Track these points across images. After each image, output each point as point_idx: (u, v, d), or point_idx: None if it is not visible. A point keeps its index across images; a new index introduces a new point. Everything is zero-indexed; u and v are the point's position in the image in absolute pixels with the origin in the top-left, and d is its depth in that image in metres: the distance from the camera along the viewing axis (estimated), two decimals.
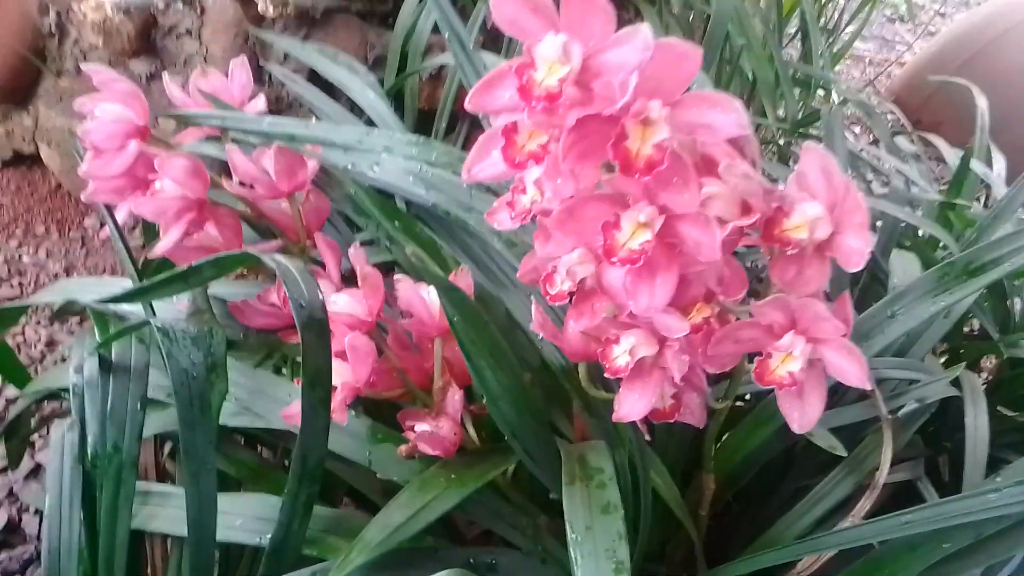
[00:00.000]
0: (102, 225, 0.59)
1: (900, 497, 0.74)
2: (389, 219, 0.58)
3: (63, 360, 1.13)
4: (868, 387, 0.47)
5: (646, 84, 0.38)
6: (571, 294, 0.51)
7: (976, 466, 0.70)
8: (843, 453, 0.66)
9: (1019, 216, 0.88)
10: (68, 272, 1.25)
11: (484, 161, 0.46)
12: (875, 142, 1.56)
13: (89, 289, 0.67)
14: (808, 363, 0.48)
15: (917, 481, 0.75)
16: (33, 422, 0.76)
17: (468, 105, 0.41)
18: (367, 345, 0.53)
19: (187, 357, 0.45)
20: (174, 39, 1.17)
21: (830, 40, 1.47)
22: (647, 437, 0.60)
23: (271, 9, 1.07)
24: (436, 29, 1.15)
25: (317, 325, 0.48)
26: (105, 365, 0.54)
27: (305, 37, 1.16)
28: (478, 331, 0.47)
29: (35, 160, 1.38)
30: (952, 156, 1.07)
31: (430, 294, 0.57)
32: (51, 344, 1.18)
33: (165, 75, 0.63)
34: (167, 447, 0.65)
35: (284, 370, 0.71)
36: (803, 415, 0.50)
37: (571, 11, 0.39)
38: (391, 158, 0.61)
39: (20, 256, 1.30)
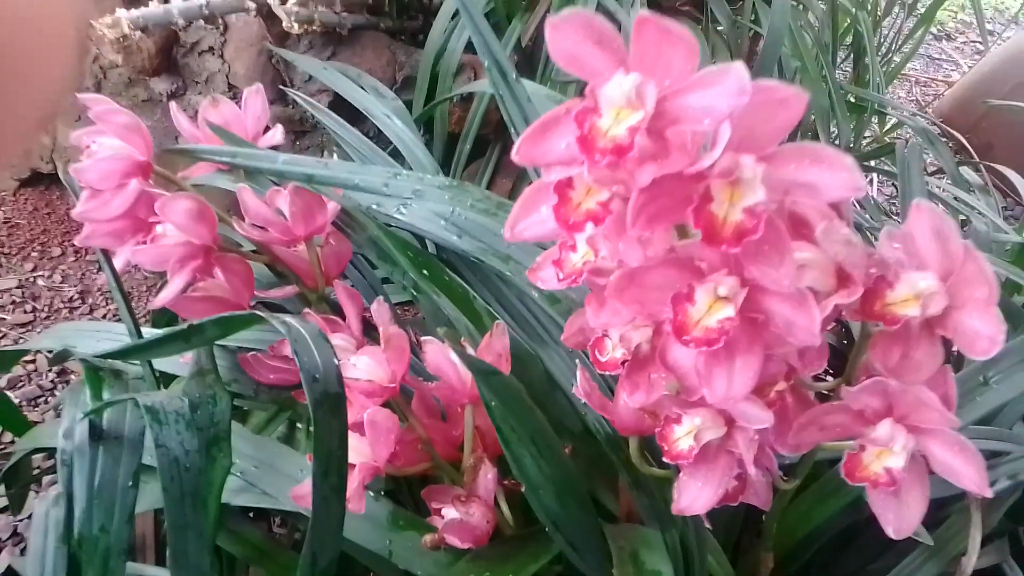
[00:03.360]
0: (99, 270, 0.52)
1: None
2: (417, 268, 0.51)
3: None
4: (987, 493, 0.39)
5: (735, 135, 0.31)
6: (624, 362, 0.44)
7: None
8: (929, 542, 0.58)
9: None
10: (83, 297, 1.20)
11: (530, 217, 0.39)
12: (936, 172, 1.46)
13: (88, 336, 0.61)
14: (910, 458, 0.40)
15: (1004, 564, 0.66)
16: (32, 473, 0.70)
17: (516, 157, 0.34)
18: (388, 420, 0.46)
19: (179, 444, 0.39)
20: (196, 56, 1.12)
21: (883, 61, 1.39)
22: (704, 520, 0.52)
23: (296, 26, 1.01)
24: (469, 48, 1.09)
25: (332, 401, 0.41)
26: (95, 432, 0.48)
27: (331, 55, 1.10)
28: (519, 417, 0.40)
29: (53, 179, 1.34)
30: None
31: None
32: (63, 373, 1.13)
33: (172, 105, 0.57)
34: None
35: (299, 425, 0.65)
36: (900, 518, 0.42)
37: (644, 44, 0.32)
38: (419, 200, 0.55)
39: (35, 279, 1.25)
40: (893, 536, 0.43)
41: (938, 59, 2.48)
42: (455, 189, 0.52)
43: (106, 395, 0.51)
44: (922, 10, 1.50)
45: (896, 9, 1.42)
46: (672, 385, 0.45)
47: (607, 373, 0.46)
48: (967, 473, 0.39)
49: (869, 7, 1.19)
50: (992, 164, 1.07)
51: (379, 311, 0.50)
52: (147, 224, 0.53)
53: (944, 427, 0.40)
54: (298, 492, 0.47)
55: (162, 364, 0.58)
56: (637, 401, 0.45)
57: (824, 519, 0.63)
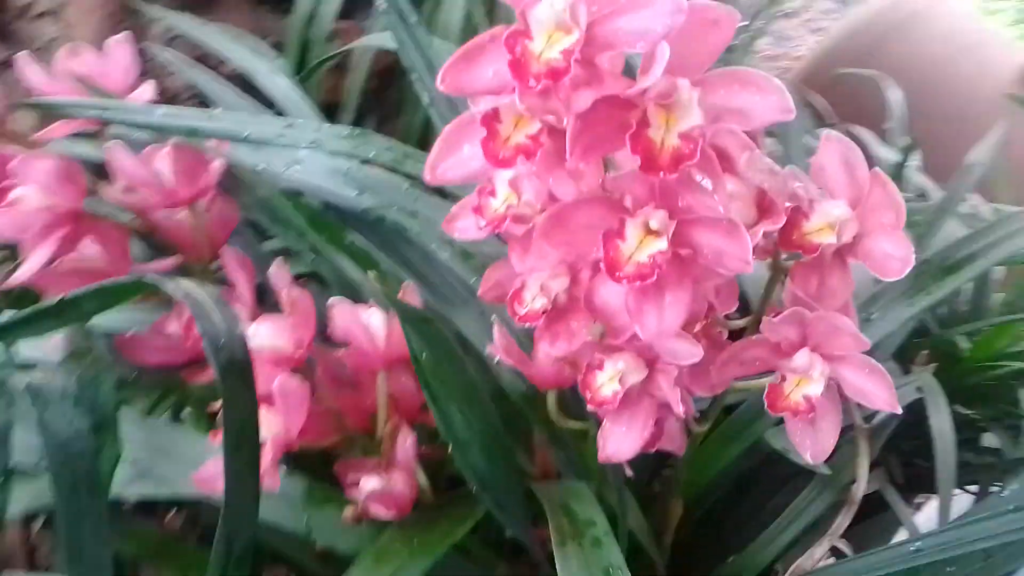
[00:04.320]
0: None
1: (865, 508, 0.71)
2: (316, 230, 0.48)
3: None
4: (898, 410, 0.41)
5: (669, 58, 0.31)
6: (544, 312, 0.43)
7: (947, 473, 0.67)
8: (826, 471, 0.61)
9: (963, 209, 0.87)
10: None
11: (453, 156, 0.37)
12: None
13: None
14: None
15: (882, 490, 0.71)
16: None
17: (441, 84, 0.32)
18: (300, 388, 0.43)
19: (68, 424, 0.34)
20: (30, 21, 1.01)
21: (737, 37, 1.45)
22: (628, 471, 0.53)
23: None
24: (342, 15, 1.04)
25: (239, 369, 0.38)
26: None
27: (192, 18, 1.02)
28: (450, 370, 0.38)
29: None
30: (880, 150, 1.06)
31: (372, 319, 0.47)
32: None
33: (23, 54, 0.51)
34: (38, 522, 0.52)
35: (185, 411, 0.60)
36: (816, 443, 0.44)
37: None
38: (314, 156, 0.51)
39: None
40: (809, 460, 0.44)
41: (780, 36, 2.64)
42: (358, 138, 0.48)
43: None
44: None
45: None
46: (595, 331, 0.45)
47: (527, 325, 0.45)
48: (878, 394, 0.41)
49: None
50: (848, 125, 1.15)
51: (278, 274, 0.46)
52: None
53: (856, 352, 0.41)
54: (202, 475, 0.43)
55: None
56: (559, 350, 0.44)
57: (727, 463, 0.65)
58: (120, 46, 0.51)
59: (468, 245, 0.50)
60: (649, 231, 0.35)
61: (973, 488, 0.83)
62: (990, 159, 0.87)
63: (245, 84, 0.82)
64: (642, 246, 0.35)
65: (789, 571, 0.63)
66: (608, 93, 0.30)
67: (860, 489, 0.63)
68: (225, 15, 1.04)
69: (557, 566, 0.40)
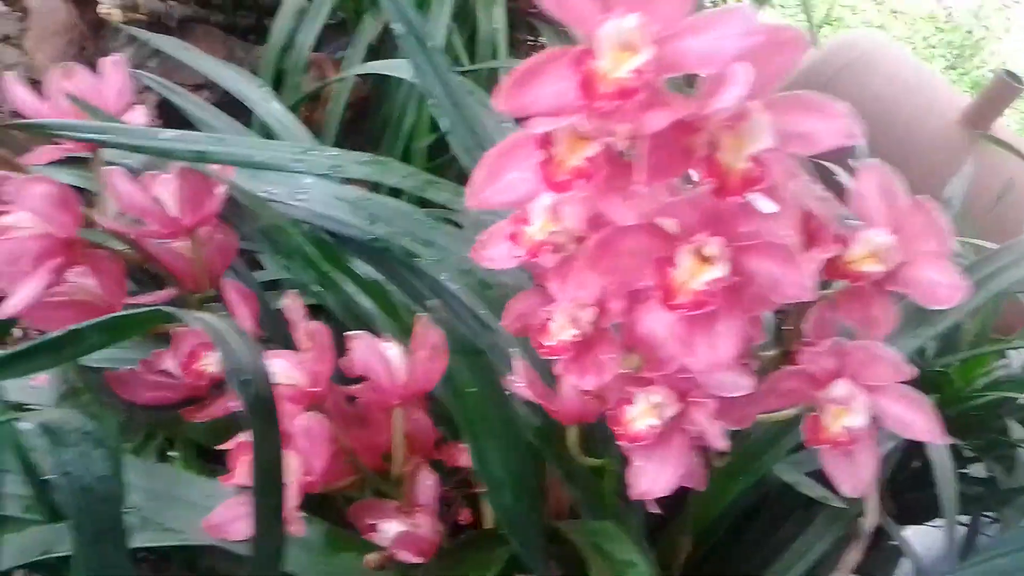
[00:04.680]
0: None
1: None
2: (327, 259, 0.46)
3: None
4: (941, 440, 0.41)
5: None
6: (573, 344, 0.42)
7: (950, 501, 0.67)
8: (839, 504, 0.60)
9: None
10: None
11: (498, 181, 0.35)
12: None
13: None
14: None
15: (883, 523, 0.71)
16: None
17: (499, 104, 0.31)
18: (323, 426, 0.40)
19: (89, 469, 0.31)
20: None
21: None
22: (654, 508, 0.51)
23: (116, 11, 0.90)
24: (318, 46, 1.03)
25: (266, 406, 0.35)
26: None
27: (157, 51, 0.99)
28: (495, 407, 0.36)
29: None
30: (845, 179, 1.08)
31: (392, 353, 0.45)
32: None
33: (7, 74, 0.47)
34: None
35: (173, 453, 0.56)
36: (854, 477, 0.43)
37: None
38: (320, 184, 0.49)
39: None
40: (848, 494, 0.43)
41: None
42: (379, 164, 0.47)
43: None
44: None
45: None
46: (627, 363, 0.43)
47: (552, 358, 0.43)
48: (920, 423, 0.41)
49: None
50: (816, 160, 1.17)
51: (292, 307, 0.43)
52: None
53: (894, 381, 0.41)
54: (214, 520, 0.40)
55: None
56: (589, 383, 0.42)
57: (733, 497, 0.64)
58: (114, 66, 0.49)
59: (488, 276, 0.48)
60: (703, 258, 0.34)
61: (964, 519, 0.84)
62: (963, 189, 0.89)
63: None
64: (696, 274, 0.34)
65: None
66: (680, 114, 0.29)
67: (871, 522, 0.62)
68: (196, 43, 1.01)
69: None
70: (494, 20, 0.79)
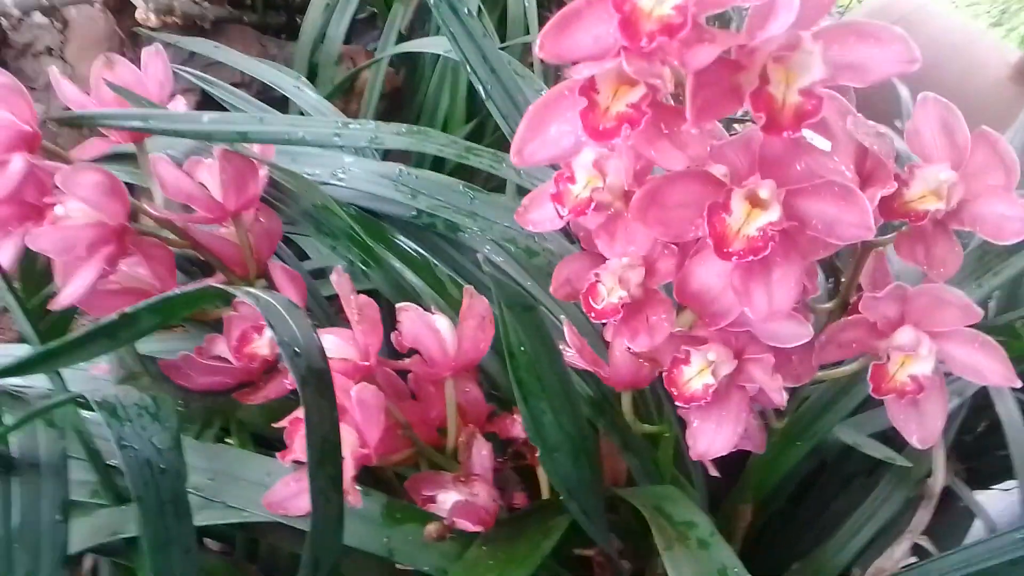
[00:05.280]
0: None
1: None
2: (372, 236, 0.46)
3: None
4: (1017, 383, 0.39)
5: None
6: (623, 305, 0.41)
7: (1021, 460, 0.65)
8: (905, 463, 0.59)
9: None
10: None
11: (541, 136, 0.35)
12: None
13: None
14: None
15: (951, 484, 0.69)
16: None
17: (540, 53, 0.30)
18: (377, 397, 0.40)
19: (149, 442, 0.31)
20: (31, 59, 0.98)
21: None
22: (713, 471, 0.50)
23: (152, 17, 0.91)
24: (348, 40, 1.03)
25: (319, 378, 0.35)
26: (4, 464, 0.38)
27: (194, 53, 1.00)
28: (548, 365, 0.35)
29: None
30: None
31: (441, 325, 0.45)
32: None
33: (53, 69, 0.48)
34: (86, 562, 0.49)
35: (229, 440, 0.56)
36: (923, 427, 0.41)
37: None
38: (360, 162, 0.49)
39: None
40: (917, 445, 0.42)
41: None
42: (417, 135, 0.46)
43: (7, 419, 0.41)
44: None
45: None
46: (682, 320, 0.42)
47: (603, 321, 0.42)
48: (993, 367, 0.39)
49: None
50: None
51: (340, 282, 0.43)
52: (37, 208, 0.43)
53: (962, 325, 0.39)
54: (274, 497, 0.40)
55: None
56: (641, 345, 0.42)
57: (793, 464, 0.62)
58: (154, 58, 0.49)
59: (532, 243, 0.47)
60: (756, 202, 0.33)
61: None
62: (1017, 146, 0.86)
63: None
64: (750, 218, 0.33)
65: (868, 572, 0.60)
66: (726, 47, 0.28)
67: (938, 482, 0.61)
68: (230, 43, 1.02)
69: (668, 571, 0.37)
70: None
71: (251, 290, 0.36)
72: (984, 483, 0.83)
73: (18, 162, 0.42)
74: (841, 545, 0.63)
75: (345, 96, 1.07)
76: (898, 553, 0.59)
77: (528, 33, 0.88)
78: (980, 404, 0.70)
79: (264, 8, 1.12)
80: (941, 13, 2.00)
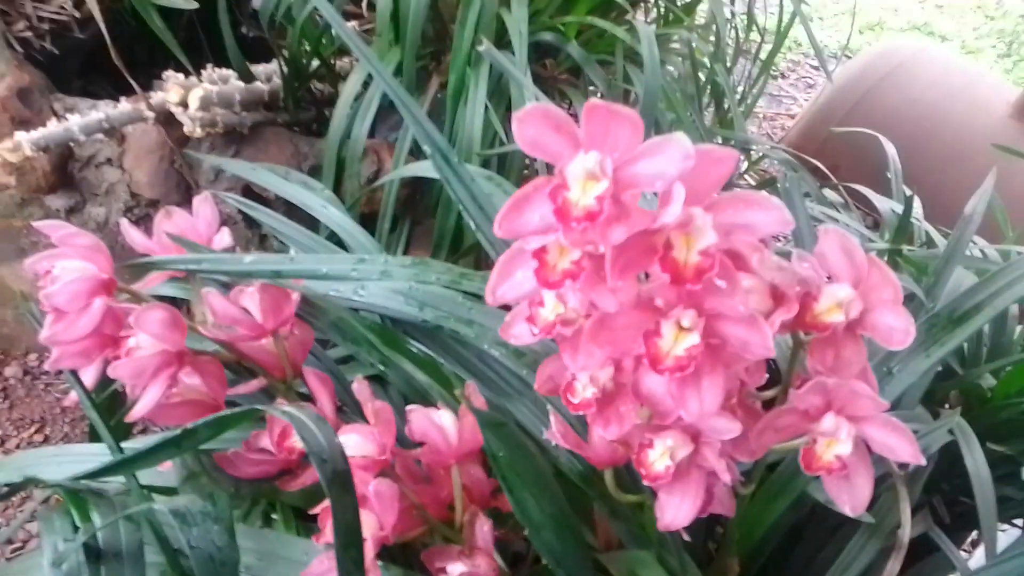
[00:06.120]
0: (49, 372, 0.52)
1: (916, 551, 0.74)
2: (386, 343, 0.55)
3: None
4: (922, 462, 0.46)
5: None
6: (596, 400, 0.49)
7: (988, 509, 0.70)
8: (870, 520, 0.65)
9: (969, 253, 0.92)
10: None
11: (508, 281, 0.44)
12: (805, 195, 1.62)
13: (49, 461, 0.60)
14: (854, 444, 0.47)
15: (929, 532, 0.75)
16: None
17: (497, 231, 0.39)
18: (391, 489, 0.49)
19: (211, 542, 0.40)
20: (94, 169, 1.11)
21: (738, 103, 1.54)
22: (685, 536, 0.57)
23: (198, 130, 1.03)
24: (371, 133, 1.14)
25: (342, 478, 0.44)
26: (92, 554, 0.48)
27: (235, 154, 1.12)
28: (523, 463, 0.44)
29: None
30: (880, 202, 1.12)
31: (444, 420, 0.53)
32: None
33: (124, 221, 0.59)
34: None
35: (275, 516, 0.65)
36: (853, 497, 0.49)
37: (595, 125, 0.38)
38: (377, 281, 0.59)
39: None
40: (849, 513, 0.49)
41: (777, 95, 2.74)
42: (419, 266, 0.56)
43: (94, 516, 0.51)
44: (763, 56, 1.67)
45: (740, 59, 1.59)
46: (643, 413, 0.50)
47: (580, 413, 0.51)
48: (902, 447, 0.46)
49: (721, 59, 1.33)
50: (848, 184, 1.21)
51: (360, 389, 0.53)
52: (113, 339, 0.54)
53: (876, 412, 0.47)
54: (310, 574, 0.49)
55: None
56: (612, 433, 0.50)
57: (774, 519, 0.69)
58: (203, 204, 0.60)
59: (520, 345, 0.56)
60: (682, 328, 0.42)
61: (1019, 522, 0.86)
62: (986, 204, 0.92)
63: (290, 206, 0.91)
64: (678, 341, 0.41)
65: None
66: (636, 226, 0.37)
67: (906, 533, 0.67)
68: (267, 145, 1.14)
69: None
70: (526, 94, 0.88)
71: (286, 408, 0.45)
72: (973, 526, 0.88)
73: (99, 304, 0.52)
74: None
75: (370, 185, 1.18)
76: None
77: None
78: (957, 454, 0.76)
79: (295, 106, 1.24)
80: (940, 57, 2.07)
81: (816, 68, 2.96)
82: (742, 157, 1.51)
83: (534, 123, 0.38)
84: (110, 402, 0.66)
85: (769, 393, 0.52)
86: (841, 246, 0.45)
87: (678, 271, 0.38)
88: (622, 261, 0.38)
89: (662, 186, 0.37)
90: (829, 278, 0.46)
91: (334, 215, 0.69)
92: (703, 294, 0.40)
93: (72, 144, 1.03)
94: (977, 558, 0.84)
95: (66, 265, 0.51)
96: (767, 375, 0.53)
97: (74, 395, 0.54)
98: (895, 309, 0.44)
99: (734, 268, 0.39)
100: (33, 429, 1.14)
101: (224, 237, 0.62)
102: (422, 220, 1.16)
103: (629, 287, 0.41)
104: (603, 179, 0.37)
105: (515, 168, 1.04)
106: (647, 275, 0.43)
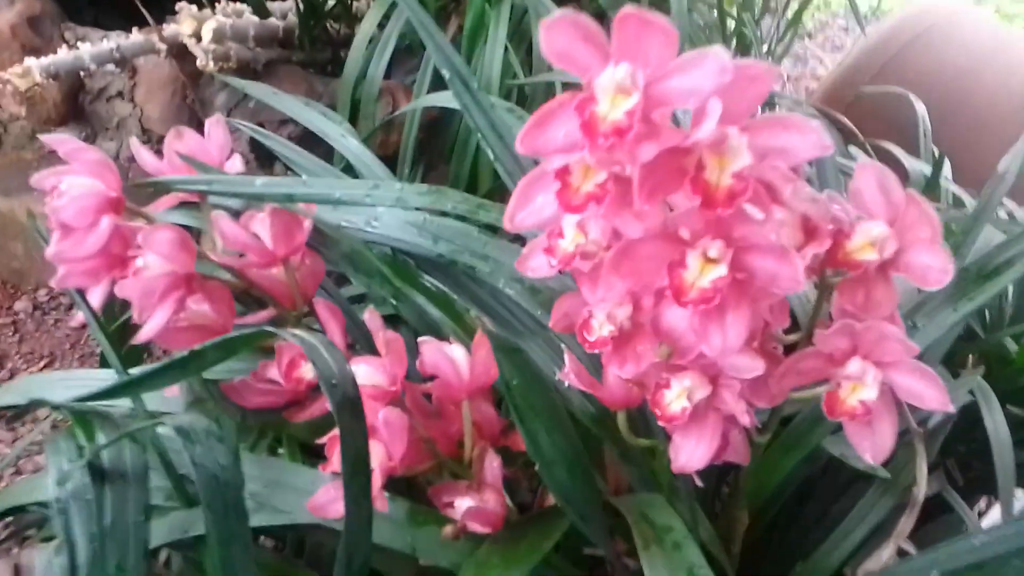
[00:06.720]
0: (59, 307, 0.51)
1: (927, 512, 0.73)
2: (398, 276, 0.53)
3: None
4: (951, 409, 0.45)
5: None
6: (612, 338, 0.48)
7: (1006, 472, 0.69)
8: (885, 475, 0.64)
9: (999, 214, 0.89)
10: (1, 362, 1.14)
11: (528, 207, 0.42)
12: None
13: (56, 385, 0.60)
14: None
15: (943, 492, 0.73)
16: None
17: (519, 147, 0.37)
18: (401, 419, 0.48)
19: (215, 460, 0.39)
20: (104, 102, 1.09)
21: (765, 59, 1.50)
22: (698, 481, 0.56)
23: (211, 64, 1.01)
24: (387, 74, 1.11)
25: (352, 404, 0.43)
26: (97, 474, 0.47)
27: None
28: (537, 393, 0.43)
29: None
30: (909, 162, 1.09)
31: (457, 354, 0.52)
32: None
33: (134, 140, 0.57)
34: (161, 556, 0.58)
35: (281, 450, 0.65)
36: (875, 445, 0.47)
37: (627, 36, 0.36)
38: (391, 212, 0.57)
39: None
40: (870, 461, 0.47)
41: (803, 56, 2.68)
42: (435, 194, 0.54)
43: (99, 438, 0.50)
44: (790, 14, 1.62)
45: (768, 16, 1.54)
46: (661, 351, 0.49)
47: (595, 351, 0.49)
48: (931, 394, 0.45)
49: (750, 8, 1.29)
50: (876, 141, 1.18)
51: (371, 319, 0.51)
52: (121, 259, 0.52)
53: (905, 357, 0.45)
54: (316, 502, 0.48)
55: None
56: (628, 372, 0.48)
57: (788, 471, 0.68)
58: (215, 126, 0.58)
59: (536, 282, 0.55)
60: (708, 259, 0.40)
61: None
62: (1020, 163, 0.89)
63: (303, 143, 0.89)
64: (703, 273, 0.40)
65: (857, 573, 0.66)
66: (667, 144, 0.35)
67: (921, 490, 0.65)
68: (280, 83, 1.12)
69: (644, 568, 0.44)
70: None
71: (296, 332, 0.44)
72: (985, 491, 0.87)
73: (106, 223, 0.51)
74: (834, 547, 0.68)
75: (386, 129, 1.15)
76: (885, 555, 0.65)
77: (552, 70, 0.95)
78: (976, 417, 0.75)
79: (311, 46, 1.21)
80: (974, 19, 2.01)
81: (845, 30, 2.89)
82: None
83: (563, 32, 0.36)
84: (120, 332, 0.65)
85: (791, 338, 0.51)
86: (878, 181, 0.43)
87: (710, 193, 0.36)
88: (651, 183, 0.36)
89: (696, 103, 0.35)
90: (860, 218, 0.44)
91: (352, 145, 0.67)
92: (732, 222, 0.38)
93: (83, 74, 1.01)
94: (987, 524, 0.82)
95: (74, 181, 0.50)
96: (789, 320, 0.51)
97: (81, 316, 0.53)
98: (932, 248, 0.42)
99: (766, 195, 0.37)
100: (43, 363, 1.14)
101: (236, 163, 0.60)
102: (437, 164, 1.14)
103: (655, 213, 0.39)
104: (634, 93, 0.35)
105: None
106: (671, 209, 0.42)
